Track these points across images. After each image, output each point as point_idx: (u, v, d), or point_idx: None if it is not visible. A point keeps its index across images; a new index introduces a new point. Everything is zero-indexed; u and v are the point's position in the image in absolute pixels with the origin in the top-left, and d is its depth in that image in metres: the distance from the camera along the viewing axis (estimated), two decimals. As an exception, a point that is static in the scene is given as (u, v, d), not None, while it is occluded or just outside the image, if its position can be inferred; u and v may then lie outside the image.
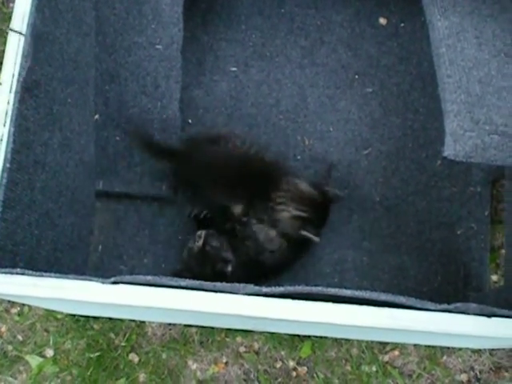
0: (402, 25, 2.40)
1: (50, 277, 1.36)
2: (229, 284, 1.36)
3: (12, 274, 1.36)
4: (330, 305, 1.33)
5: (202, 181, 2.03)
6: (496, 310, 1.34)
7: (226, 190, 2.02)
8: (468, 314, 1.34)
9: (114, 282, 1.35)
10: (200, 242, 2.01)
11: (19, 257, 1.52)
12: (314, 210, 2.03)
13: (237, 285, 1.35)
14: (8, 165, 1.45)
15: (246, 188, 2.01)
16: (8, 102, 1.48)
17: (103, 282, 1.35)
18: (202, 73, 2.35)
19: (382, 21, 2.41)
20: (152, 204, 2.20)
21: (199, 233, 2.02)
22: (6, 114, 1.47)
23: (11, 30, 1.54)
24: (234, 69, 2.36)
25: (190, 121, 2.30)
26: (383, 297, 1.33)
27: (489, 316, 1.34)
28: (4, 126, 1.46)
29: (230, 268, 1.98)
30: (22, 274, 1.36)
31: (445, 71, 1.55)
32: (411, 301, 1.33)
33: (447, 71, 1.54)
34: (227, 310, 1.33)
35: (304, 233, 1.98)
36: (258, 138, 2.28)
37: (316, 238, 1.99)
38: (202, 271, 1.99)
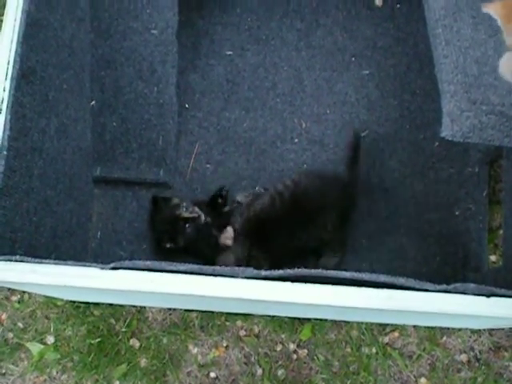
0: (398, 6, 2.39)
1: (49, 263, 1.36)
2: (228, 268, 1.36)
3: (11, 261, 1.37)
4: (328, 287, 1.33)
5: None
6: (495, 290, 1.34)
7: None
8: (467, 294, 1.34)
9: (114, 268, 1.35)
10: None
11: (18, 244, 1.52)
12: None
13: (236, 268, 1.36)
14: (5, 152, 1.45)
15: None
16: (4, 89, 1.48)
17: (102, 268, 1.35)
18: (197, 57, 2.34)
19: (378, 2, 2.40)
20: (150, 189, 2.20)
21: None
22: (2, 101, 1.47)
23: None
24: (229, 52, 2.36)
25: (186, 105, 2.30)
26: (382, 278, 1.33)
27: (487, 296, 1.34)
28: (0, 113, 1.46)
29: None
30: (21, 260, 1.37)
31: (441, 52, 1.54)
32: (410, 282, 1.33)
33: (444, 51, 1.53)
34: (227, 294, 1.34)
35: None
36: (255, 122, 2.28)
37: None
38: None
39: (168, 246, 2.07)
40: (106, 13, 2.06)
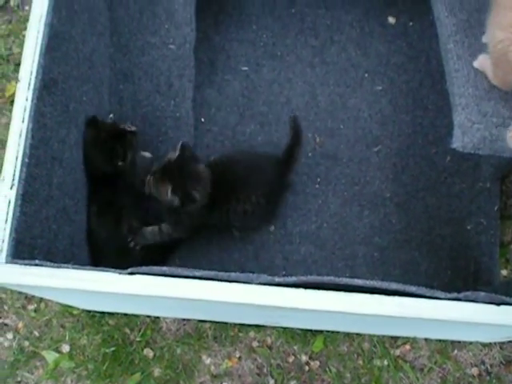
0: (411, 23, 2.43)
1: (68, 268, 1.39)
2: (243, 274, 1.39)
3: (31, 265, 1.40)
4: (341, 294, 1.35)
5: None
6: (505, 299, 1.36)
7: None
8: (477, 302, 1.36)
9: (131, 273, 1.38)
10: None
11: (37, 250, 1.56)
12: None
13: (250, 275, 1.38)
14: (27, 160, 1.49)
15: None
16: (26, 99, 1.52)
17: (120, 273, 1.38)
18: (214, 72, 2.38)
19: (391, 20, 2.45)
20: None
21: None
22: (25, 110, 1.51)
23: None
24: (245, 68, 2.40)
25: (202, 119, 2.33)
26: (394, 286, 1.36)
27: (498, 304, 1.37)
28: (23, 121, 1.50)
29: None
30: (41, 265, 1.40)
31: (453, 66, 1.57)
32: (421, 290, 1.36)
33: (455, 66, 1.57)
34: (241, 300, 1.36)
35: None
36: (269, 136, 2.31)
37: None
38: None
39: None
40: (126, 28, 2.11)
